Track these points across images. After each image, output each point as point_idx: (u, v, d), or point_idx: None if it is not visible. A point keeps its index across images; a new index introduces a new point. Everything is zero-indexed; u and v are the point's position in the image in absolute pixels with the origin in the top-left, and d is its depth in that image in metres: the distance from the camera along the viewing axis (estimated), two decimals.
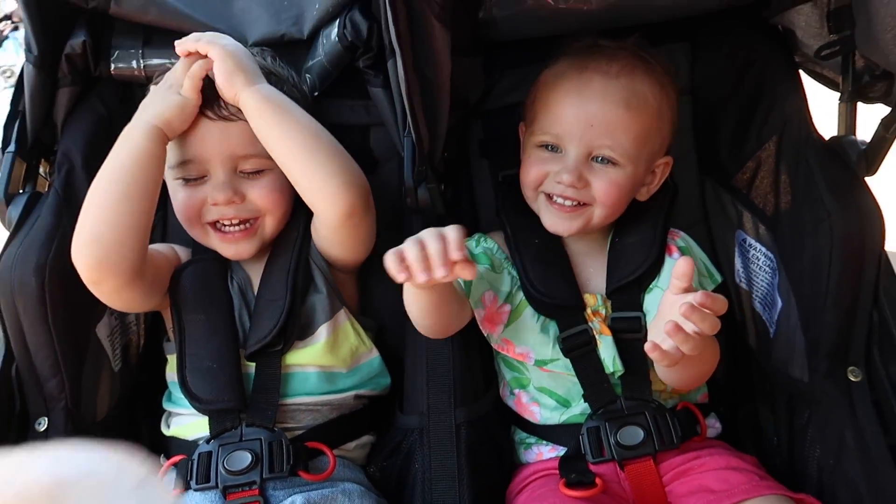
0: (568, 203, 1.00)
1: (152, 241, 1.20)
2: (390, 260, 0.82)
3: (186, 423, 1.02)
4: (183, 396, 1.00)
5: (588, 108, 0.98)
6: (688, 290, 0.82)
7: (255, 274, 1.08)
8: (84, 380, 1.00)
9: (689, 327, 0.79)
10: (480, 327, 1.02)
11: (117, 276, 0.93)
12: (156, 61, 1.16)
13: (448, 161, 1.13)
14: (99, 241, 0.91)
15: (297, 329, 1.02)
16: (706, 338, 0.81)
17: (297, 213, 1.07)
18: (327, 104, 1.21)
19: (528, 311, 1.04)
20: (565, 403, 1.03)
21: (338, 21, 1.10)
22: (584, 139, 0.98)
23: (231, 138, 0.99)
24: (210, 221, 1.02)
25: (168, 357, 1.07)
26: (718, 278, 1.07)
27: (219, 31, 1.13)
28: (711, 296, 0.79)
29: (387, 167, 1.23)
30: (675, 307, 0.81)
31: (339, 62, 1.13)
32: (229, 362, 1.00)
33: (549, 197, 1.02)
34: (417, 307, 0.95)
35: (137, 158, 0.94)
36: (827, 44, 1.01)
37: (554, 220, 1.03)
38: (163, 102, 0.96)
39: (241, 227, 1.02)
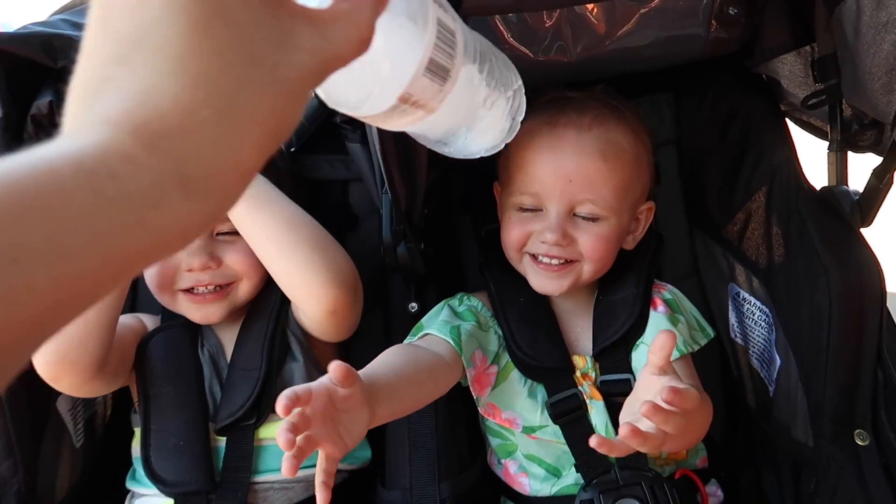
0: (555, 262, 0.96)
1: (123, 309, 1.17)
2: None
3: None
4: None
5: (565, 163, 0.94)
6: (664, 368, 0.76)
7: (228, 340, 1.02)
8: (41, 460, 0.93)
9: (653, 423, 0.71)
10: (471, 389, 0.97)
11: (77, 374, 0.87)
12: None
13: (429, 217, 1.10)
14: (59, 337, 0.85)
15: (272, 401, 0.96)
16: (692, 410, 0.73)
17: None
18: (305, 159, 1.19)
19: (515, 374, 0.98)
20: (556, 473, 0.97)
21: None
22: (565, 196, 0.94)
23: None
24: (183, 289, 0.97)
25: (135, 430, 1.01)
26: (711, 333, 1.02)
27: None
28: (679, 392, 0.70)
29: (367, 223, 1.20)
30: (651, 385, 0.75)
31: (316, 117, 1.11)
32: (197, 439, 0.94)
33: (535, 257, 0.97)
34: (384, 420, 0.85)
35: None
36: (813, 93, 0.99)
37: (542, 281, 0.98)
38: None
39: (214, 290, 0.98)
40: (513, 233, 0.98)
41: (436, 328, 0.94)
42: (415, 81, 0.45)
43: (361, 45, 0.36)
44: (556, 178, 0.94)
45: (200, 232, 0.30)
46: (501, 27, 1.05)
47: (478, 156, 0.63)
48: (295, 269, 0.92)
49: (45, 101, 1.06)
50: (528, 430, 0.96)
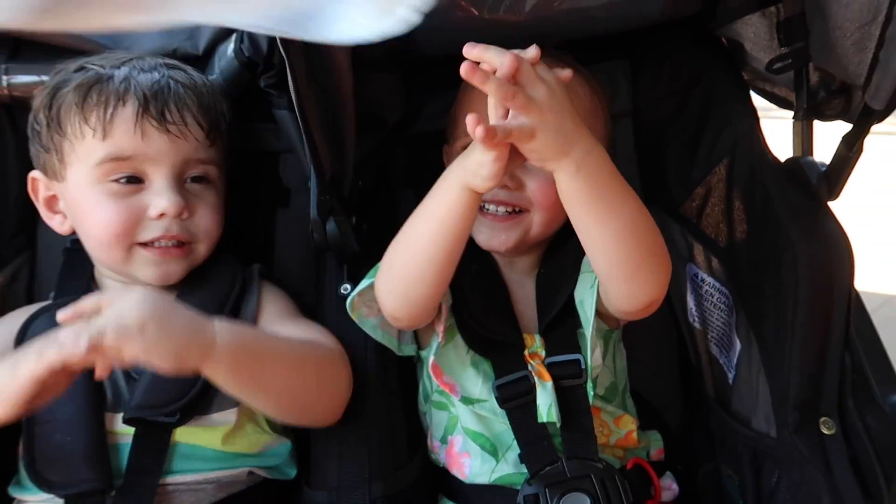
0: (502, 210, 0.89)
1: (17, 292, 1.05)
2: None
3: None
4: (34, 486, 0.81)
5: None
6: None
7: None
8: None
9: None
10: (439, 330, 0.88)
11: None
12: (24, 78, 1.01)
13: (364, 191, 1.00)
14: None
15: (202, 405, 0.85)
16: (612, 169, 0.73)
17: (228, 263, 0.95)
18: (234, 129, 1.08)
19: (459, 341, 0.91)
20: (493, 452, 0.89)
21: (234, 35, 0.98)
22: None
23: (182, 150, 0.89)
24: (144, 241, 0.87)
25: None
26: None
27: (101, 45, 0.99)
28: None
29: (300, 198, 1.10)
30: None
31: (238, 80, 1.01)
32: (87, 432, 0.82)
33: (481, 208, 0.89)
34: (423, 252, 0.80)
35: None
36: (778, 56, 0.92)
37: (488, 234, 0.90)
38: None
39: (177, 245, 0.89)
40: None
41: None
42: None
43: None
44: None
45: None
46: None
47: (361, 38, 0.49)
48: (299, 409, 0.85)
49: None
50: (467, 402, 0.89)
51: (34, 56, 1.00)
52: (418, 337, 0.95)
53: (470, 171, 0.73)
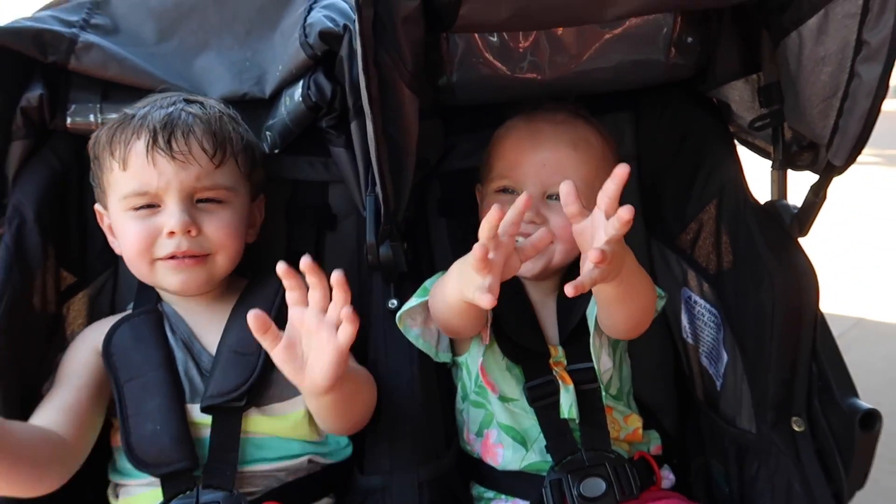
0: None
1: (103, 303, 1.18)
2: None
3: (137, 495, 0.97)
4: (129, 465, 0.95)
5: (539, 150, 1.06)
6: (580, 212, 0.85)
7: (202, 326, 1.05)
8: None
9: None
10: (487, 332, 1.04)
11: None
12: (114, 115, 1.15)
13: (408, 220, 1.16)
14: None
15: (263, 391, 1.00)
16: (637, 264, 0.89)
17: (273, 279, 1.03)
18: (287, 160, 1.23)
19: (496, 348, 1.07)
20: (523, 443, 1.05)
21: (301, 82, 1.13)
22: (539, 178, 1.05)
23: (189, 174, 0.99)
24: (162, 257, 0.99)
25: (113, 421, 1.02)
26: (662, 293, 1.11)
27: (180, 88, 1.14)
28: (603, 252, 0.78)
29: (345, 223, 1.25)
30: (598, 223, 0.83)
31: (302, 121, 1.15)
32: (173, 420, 0.95)
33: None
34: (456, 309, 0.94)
35: None
36: (759, 116, 1.10)
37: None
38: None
39: (192, 258, 0.99)
40: None
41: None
42: None
43: None
44: (532, 163, 1.05)
45: None
46: (481, 44, 1.13)
47: None
48: (346, 427, 1.02)
49: (36, 94, 1.08)
50: (503, 399, 1.06)
51: (122, 97, 1.14)
52: (454, 346, 1.11)
53: (468, 291, 0.84)
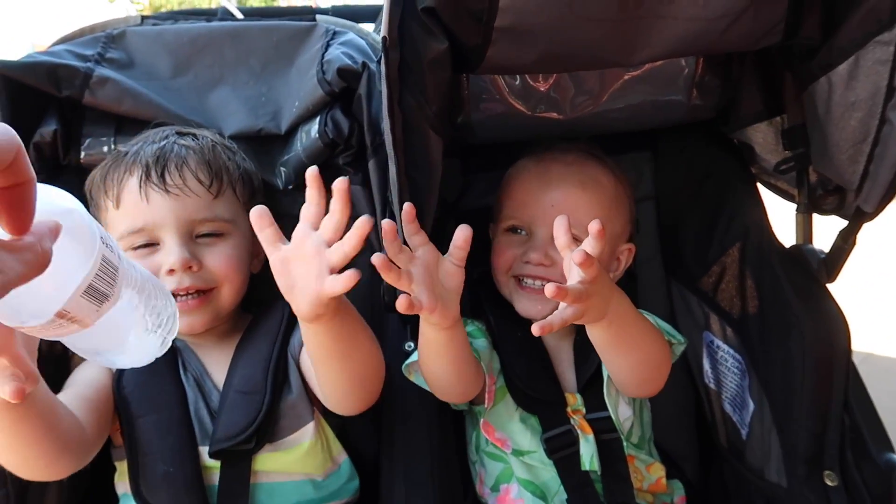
0: (538, 284, 1.03)
1: None
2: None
3: None
4: None
5: (548, 190, 1.05)
6: (568, 244, 0.82)
7: (213, 363, 1.02)
8: (30, 492, 0.91)
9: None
10: (485, 398, 1.00)
11: (75, 466, 0.86)
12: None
13: None
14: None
15: (271, 428, 0.97)
16: (635, 311, 0.87)
17: (278, 304, 1.01)
18: (300, 196, 1.20)
19: (509, 399, 1.04)
20: (543, 498, 1.01)
21: (318, 118, 1.12)
22: (548, 219, 1.01)
23: (186, 208, 0.96)
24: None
25: (116, 464, 0.98)
26: (682, 339, 1.05)
27: (194, 123, 1.13)
28: (586, 254, 0.77)
29: (358, 262, 1.22)
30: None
31: (318, 157, 1.13)
32: (187, 462, 0.93)
33: (519, 281, 1.04)
34: (441, 366, 0.92)
35: None
36: (783, 159, 1.08)
37: (525, 304, 1.04)
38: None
39: (195, 296, 0.96)
40: (501, 256, 1.06)
41: None
42: (72, 300, 0.51)
43: (40, 268, 0.45)
44: (541, 203, 1.04)
45: None
46: (501, 84, 1.12)
47: (128, 366, 0.68)
48: (344, 392, 0.94)
49: (50, 129, 1.07)
50: (518, 454, 1.02)
51: (135, 130, 1.12)
52: None
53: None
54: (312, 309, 0.78)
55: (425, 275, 0.79)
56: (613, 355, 0.94)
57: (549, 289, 0.75)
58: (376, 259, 0.76)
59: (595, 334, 0.88)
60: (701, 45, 0.92)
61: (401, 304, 0.76)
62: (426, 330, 0.88)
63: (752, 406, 1.04)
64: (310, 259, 0.77)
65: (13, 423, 0.74)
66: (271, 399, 0.95)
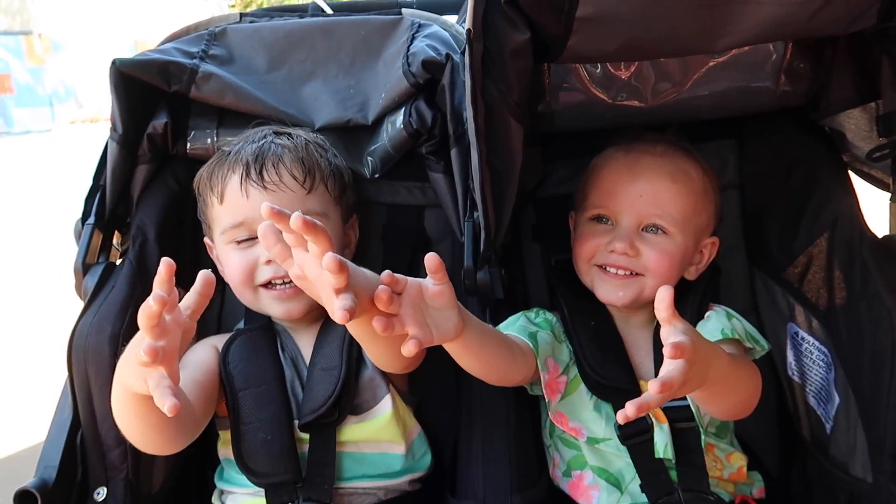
0: (621, 272, 1.04)
1: (209, 316, 1.23)
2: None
3: (242, 502, 1.02)
4: (237, 474, 1.00)
5: (637, 181, 1.04)
6: (668, 320, 0.77)
7: (306, 345, 1.09)
8: (143, 453, 1.00)
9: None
10: (543, 392, 1.03)
11: (189, 439, 0.96)
12: (228, 139, 1.21)
13: (504, 246, 1.16)
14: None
15: (351, 400, 1.03)
16: (730, 362, 0.84)
17: None
18: (385, 185, 1.27)
19: (583, 388, 1.05)
20: (618, 485, 1.02)
21: (403, 109, 1.16)
22: (635, 209, 1.03)
23: (282, 202, 0.99)
24: (262, 283, 1.03)
25: (220, 433, 1.07)
26: (766, 345, 1.05)
27: (288, 115, 1.20)
28: (677, 345, 0.72)
29: (439, 247, 1.27)
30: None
31: (402, 147, 1.18)
32: (283, 433, 1.00)
33: (603, 268, 1.05)
34: (468, 364, 0.92)
35: None
36: (877, 146, 1.05)
37: (607, 289, 1.05)
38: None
39: (292, 285, 1.00)
40: (585, 245, 1.07)
41: (515, 330, 1.02)
42: None
43: None
44: (629, 193, 1.04)
45: None
46: (582, 72, 1.13)
47: None
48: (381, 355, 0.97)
49: (161, 122, 1.16)
50: (592, 441, 1.03)
51: (236, 123, 1.21)
52: None
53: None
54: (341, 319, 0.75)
55: (413, 311, 0.76)
56: (709, 405, 0.95)
57: (630, 407, 0.71)
58: (377, 323, 0.72)
59: (695, 395, 0.88)
60: (788, 30, 0.90)
61: (406, 349, 0.73)
62: None
63: (837, 399, 1.02)
64: (315, 278, 0.73)
65: (146, 413, 0.82)
66: (346, 373, 1.01)
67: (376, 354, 0.96)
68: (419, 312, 0.77)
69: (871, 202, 1.15)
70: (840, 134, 1.14)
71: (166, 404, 0.69)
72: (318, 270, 0.70)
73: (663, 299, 0.77)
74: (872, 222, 1.07)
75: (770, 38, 0.99)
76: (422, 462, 1.10)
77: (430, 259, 0.76)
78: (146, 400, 0.76)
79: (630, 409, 0.71)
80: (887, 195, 1.08)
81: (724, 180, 1.24)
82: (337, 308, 0.68)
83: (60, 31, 15.20)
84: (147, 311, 0.71)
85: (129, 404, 0.85)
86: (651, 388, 0.72)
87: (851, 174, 1.16)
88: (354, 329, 0.87)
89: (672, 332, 0.74)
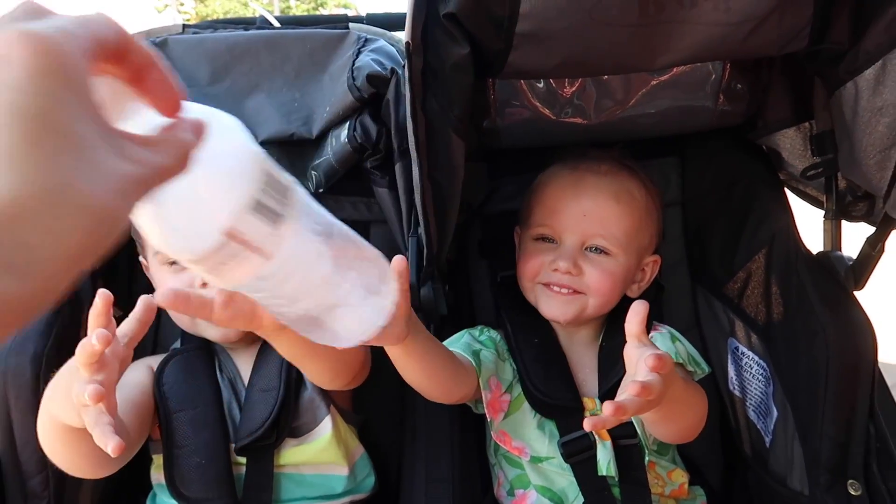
0: (564, 290, 1.04)
1: (146, 337, 1.18)
2: None
3: None
4: (168, 499, 0.96)
5: (581, 201, 1.05)
6: (640, 337, 0.79)
7: (245, 364, 1.06)
8: (68, 478, 0.95)
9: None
10: (486, 412, 1.01)
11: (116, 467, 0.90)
12: None
13: (449, 262, 1.16)
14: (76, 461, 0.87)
15: (290, 422, 1.00)
16: (684, 386, 0.85)
17: None
18: (330, 200, 1.25)
19: (526, 406, 1.04)
20: (560, 503, 1.01)
21: (348, 124, 1.15)
22: (579, 229, 1.04)
23: None
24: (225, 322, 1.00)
25: (153, 457, 1.03)
26: (706, 368, 1.06)
27: None
28: (660, 357, 0.74)
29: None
30: (632, 357, 0.79)
31: (347, 162, 1.16)
32: (218, 457, 0.97)
33: (547, 286, 1.05)
34: (410, 374, 0.91)
35: None
36: (811, 165, 1.07)
37: (550, 305, 1.05)
38: None
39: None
40: (529, 263, 1.07)
41: (458, 348, 1.01)
42: (240, 217, 0.47)
43: (181, 161, 0.42)
44: (573, 212, 1.04)
45: (28, 313, 0.33)
46: (526, 89, 1.14)
47: (352, 342, 0.64)
48: (329, 380, 0.95)
49: None
50: (536, 460, 1.02)
51: None
52: None
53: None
54: (278, 324, 0.75)
55: None
56: (658, 427, 0.95)
57: (633, 388, 0.72)
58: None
59: (648, 415, 0.87)
60: (724, 50, 0.92)
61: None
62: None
63: (775, 413, 1.03)
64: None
65: (78, 443, 0.78)
66: (285, 394, 0.99)
67: (313, 373, 0.94)
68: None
69: (806, 219, 1.18)
70: (776, 153, 1.17)
71: (110, 444, 0.66)
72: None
73: (637, 312, 0.78)
74: (808, 239, 1.10)
75: (707, 57, 1.01)
76: (364, 484, 1.07)
77: (398, 261, 0.73)
78: (78, 431, 0.72)
79: (596, 421, 0.73)
80: (821, 212, 1.11)
81: (666, 198, 1.26)
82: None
83: None
84: (88, 349, 0.68)
85: (58, 435, 0.81)
86: (631, 391, 0.72)
87: (787, 192, 1.19)
88: (284, 349, 0.84)
89: (645, 362, 0.74)
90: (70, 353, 0.98)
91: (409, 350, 0.83)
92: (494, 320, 1.19)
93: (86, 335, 1.02)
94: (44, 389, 0.91)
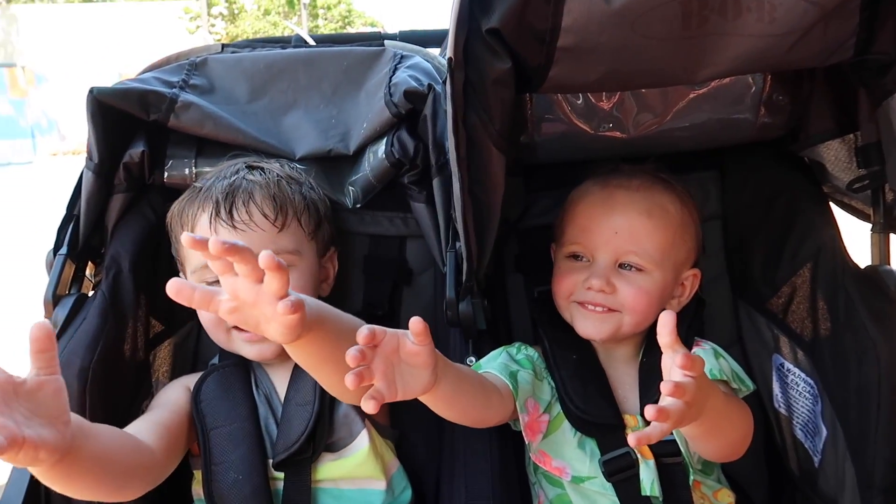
0: (599, 308, 1.03)
1: (187, 352, 1.21)
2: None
3: None
4: None
5: (613, 217, 1.04)
6: (672, 345, 0.77)
7: (280, 381, 1.06)
8: None
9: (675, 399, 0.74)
10: (523, 434, 1.00)
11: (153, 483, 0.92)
12: (207, 169, 1.20)
13: (487, 277, 1.15)
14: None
15: (326, 436, 1.00)
16: (725, 400, 0.83)
17: None
18: (367, 215, 1.25)
19: (566, 425, 1.03)
20: None
21: (385, 139, 1.15)
22: (611, 246, 1.02)
23: (252, 242, 0.95)
24: (234, 324, 0.99)
25: (194, 472, 1.04)
26: (751, 385, 1.04)
27: (268, 145, 1.18)
28: (690, 356, 0.74)
29: (421, 278, 1.26)
30: (666, 366, 0.78)
31: (384, 177, 1.17)
32: (255, 472, 0.97)
33: (582, 304, 1.04)
34: (440, 411, 0.90)
35: None
36: (857, 177, 1.05)
37: (585, 324, 1.04)
38: None
39: None
40: (563, 282, 1.06)
41: (495, 368, 1.00)
42: None
43: None
44: (604, 230, 1.03)
45: None
46: (564, 103, 1.13)
47: None
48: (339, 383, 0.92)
49: (138, 150, 1.14)
50: (577, 480, 1.00)
51: (215, 153, 1.19)
52: None
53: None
54: (289, 335, 0.74)
55: (384, 364, 0.74)
56: (701, 442, 0.93)
57: (667, 387, 0.72)
58: (349, 378, 0.70)
59: (686, 430, 0.86)
60: (767, 62, 0.91)
61: (365, 405, 0.71)
62: None
63: (825, 432, 1.01)
64: (253, 303, 0.71)
65: (62, 477, 0.76)
66: (320, 408, 0.99)
67: (333, 385, 0.91)
68: (390, 367, 0.75)
69: (853, 233, 1.16)
70: (820, 165, 1.15)
71: None
72: (252, 290, 0.69)
73: (666, 324, 0.76)
74: (855, 253, 1.07)
75: (749, 70, 1.00)
76: (402, 497, 1.07)
77: (415, 323, 0.74)
78: (53, 467, 0.71)
79: (640, 436, 0.72)
80: (868, 226, 1.08)
81: (706, 212, 1.24)
82: (280, 308, 0.67)
83: (44, 63, 15.21)
84: None
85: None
86: (664, 390, 0.72)
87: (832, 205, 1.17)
88: (301, 359, 0.84)
89: (675, 361, 0.74)
90: (114, 368, 1.00)
91: (437, 396, 0.83)
92: (532, 336, 1.18)
93: (130, 350, 1.05)
94: (89, 403, 0.93)
